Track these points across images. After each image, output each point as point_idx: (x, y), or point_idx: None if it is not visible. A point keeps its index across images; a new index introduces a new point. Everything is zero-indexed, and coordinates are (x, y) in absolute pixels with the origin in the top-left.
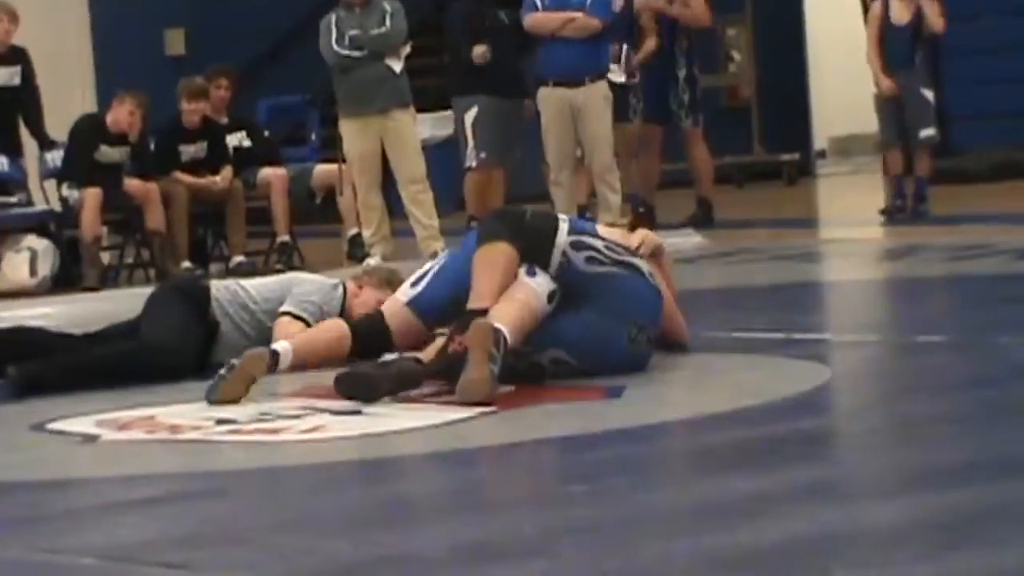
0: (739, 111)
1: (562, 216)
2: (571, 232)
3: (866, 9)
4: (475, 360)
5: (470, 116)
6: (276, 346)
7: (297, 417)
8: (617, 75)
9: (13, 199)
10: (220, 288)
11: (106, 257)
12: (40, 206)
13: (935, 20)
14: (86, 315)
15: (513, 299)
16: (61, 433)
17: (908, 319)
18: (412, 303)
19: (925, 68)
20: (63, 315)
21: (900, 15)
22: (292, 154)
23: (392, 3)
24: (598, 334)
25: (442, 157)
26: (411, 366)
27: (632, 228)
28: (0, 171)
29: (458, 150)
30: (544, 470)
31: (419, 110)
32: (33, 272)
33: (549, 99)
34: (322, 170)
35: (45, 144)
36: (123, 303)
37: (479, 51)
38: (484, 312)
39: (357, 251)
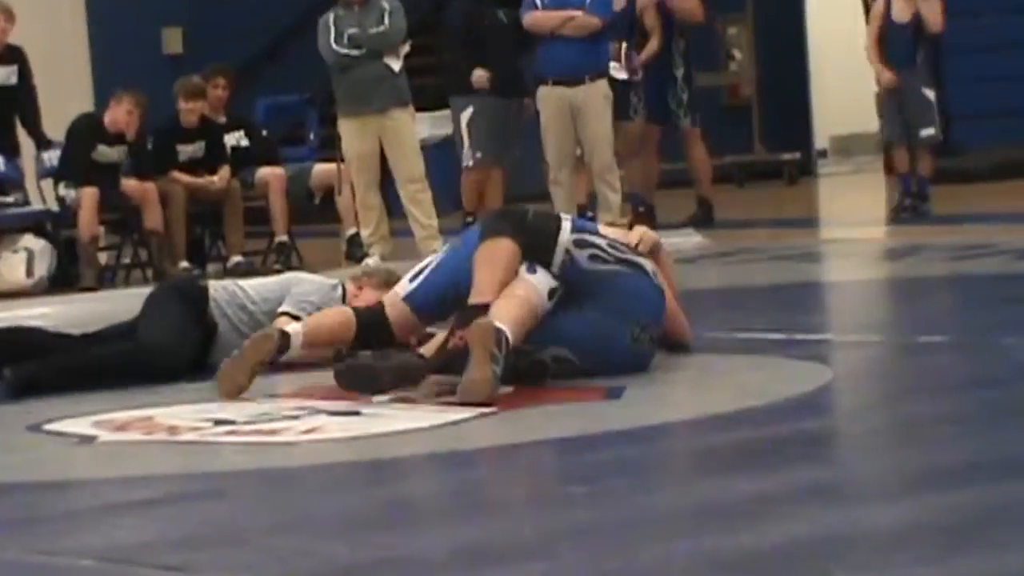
0: (740, 110)
1: (565, 215)
2: (574, 230)
3: (867, 8)
4: (477, 360)
5: (466, 116)
6: (288, 328)
7: (295, 418)
8: (619, 72)
9: (10, 199)
10: (218, 288)
11: (103, 257)
12: (37, 206)
13: (933, 19)
14: (83, 315)
15: (513, 296)
16: (58, 434)
17: (910, 319)
18: (408, 298)
19: (927, 67)
20: (60, 315)
21: (901, 13)
22: (290, 154)
23: (391, 1)
24: (601, 333)
25: (441, 156)
26: (412, 360)
27: (631, 227)
28: None
29: (456, 149)
30: (544, 471)
31: (418, 109)
32: (30, 272)
33: (549, 98)
34: (320, 170)
35: (42, 143)
36: (120, 303)
37: (479, 75)
38: (485, 308)
39: (356, 251)
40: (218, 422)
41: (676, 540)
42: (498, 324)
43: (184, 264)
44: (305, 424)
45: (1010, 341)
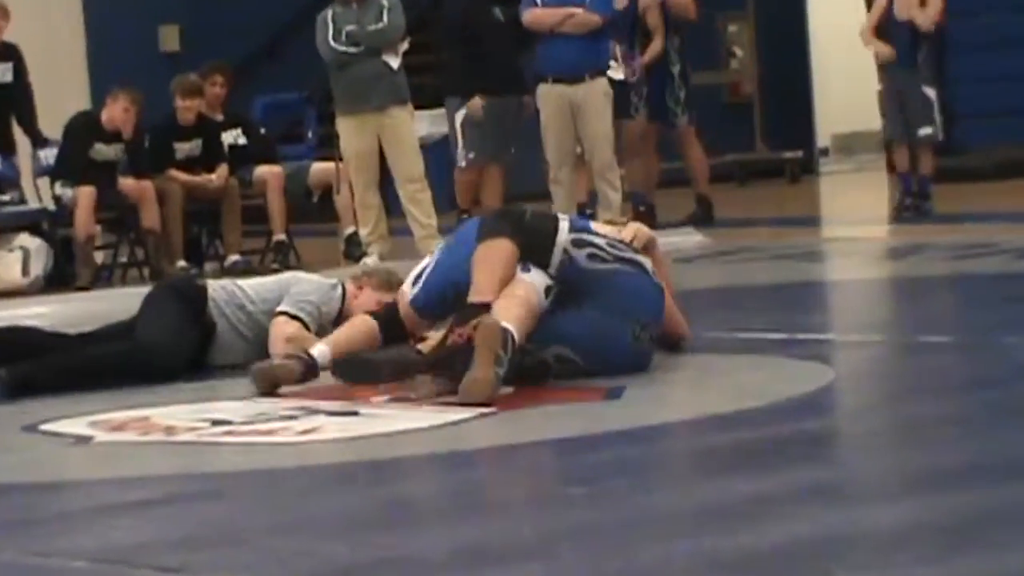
0: (741, 108)
1: (562, 215)
2: (572, 230)
3: (869, 5)
4: (481, 360)
5: (460, 116)
6: (313, 350)
7: (293, 418)
8: (617, 72)
9: (6, 197)
10: (217, 288)
11: (100, 256)
12: (33, 204)
13: (922, 18)
14: (80, 315)
15: (514, 295)
16: (54, 434)
17: (912, 319)
18: (412, 303)
19: (928, 66)
20: (57, 315)
21: (902, 11)
22: (288, 152)
23: None
24: (602, 332)
25: (440, 155)
26: (411, 354)
27: None
28: None
29: (451, 149)
30: (543, 472)
31: (417, 107)
32: (26, 271)
33: (548, 96)
34: (319, 168)
35: (38, 142)
36: (117, 302)
37: (474, 104)
38: (486, 307)
39: (354, 250)
40: (215, 422)
41: (676, 541)
42: (505, 324)
43: (181, 263)
44: (303, 424)
45: (1012, 341)
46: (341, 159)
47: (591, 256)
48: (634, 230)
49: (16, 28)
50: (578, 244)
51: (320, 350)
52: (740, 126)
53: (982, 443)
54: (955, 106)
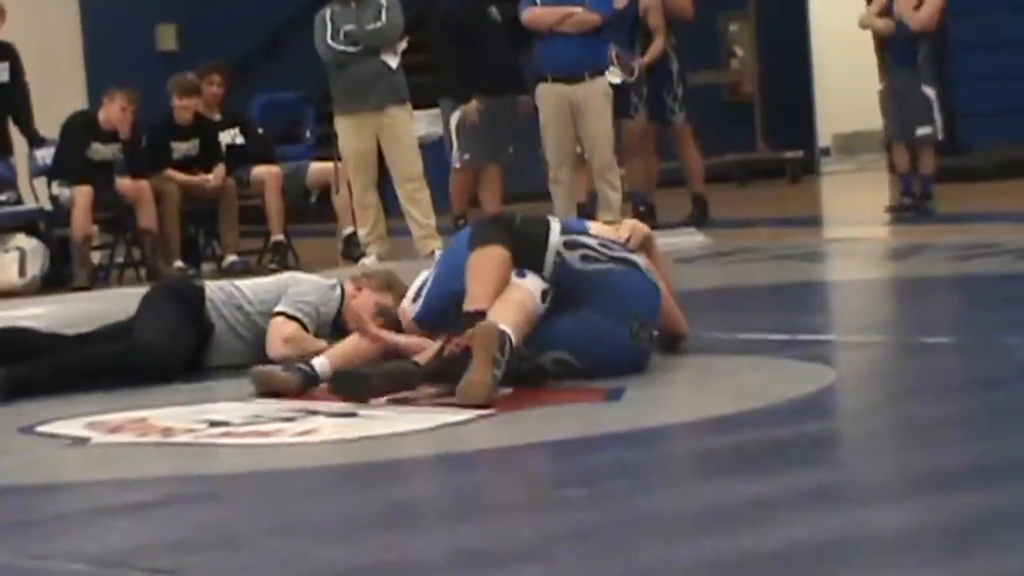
0: (742, 108)
1: (552, 217)
2: (563, 232)
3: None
4: (478, 362)
5: (455, 118)
6: (314, 362)
7: (291, 420)
8: (615, 76)
9: (2, 197)
10: (215, 289)
11: (96, 256)
12: (29, 205)
13: (911, 16)
14: (77, 315)
15: (509, 300)
16: (51, 436)
17: (913, 320)
18: (416, 319)
19: (927, 65)
20: (53, 315)
21: (900, 10)
22: (287, 152)
23: None
24: (600, 333)
25: (439, 155)
26: (407, 367)
27: None
28: None
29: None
30: (543, 474)
31: (416, 107)
32: (22, 272)
33: (548, 95)
34: (317, 168)
35: (35, 141)
36: (114, 303)
37: (470, 109)
38: (482, 315)
39: (353, 250)
40: (213, 424)
41: (676, 543)
42: (502, 327)
43: (178, 264)
44: (301, 426)
45: (1014, 341)
46: (339, 159)
47: (584, 257)
48: (631, 228)
49: (13, 27)
50: (570, 246)
51: (320, 362)
52: (741, 126)
53: (984, 444)
54: (956, 106)
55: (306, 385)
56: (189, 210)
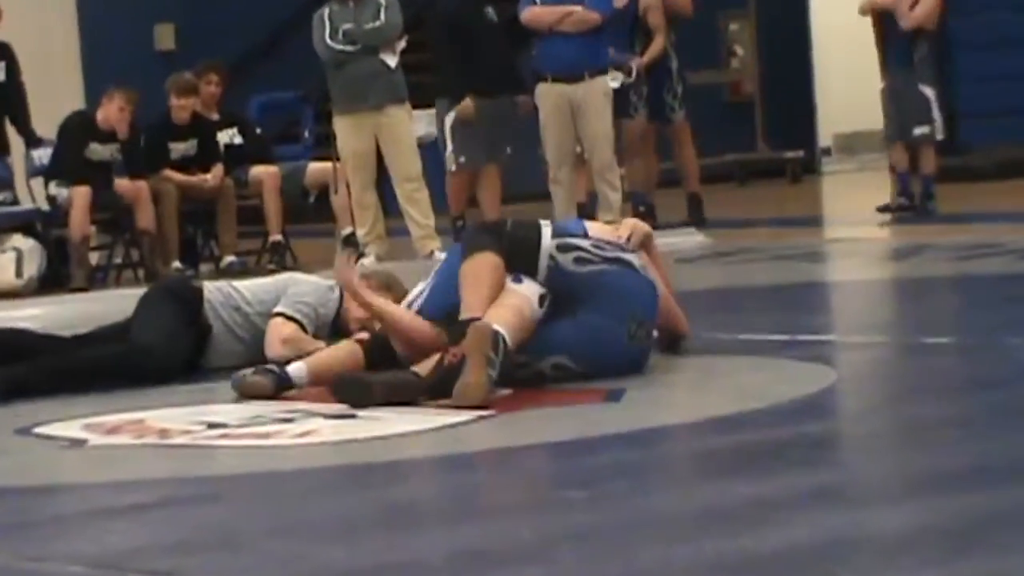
0: (742, 107)
1: (544, 221)
2: (555, 235)
3: None
4: (473, 364)
5: (450, 119)
6: (290, 368)
7: (290, 421)
8: (614, 80)
9: None
10: (213, 290)
11: (94, 257)
12: (27, 205)
13: (902, 12)
14: (74, 316)
15: (504, 305)
16: (48, 438)
17: (914, 320)
18: None
19: (927, 65)
20: (51, 316)
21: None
22: (285, 152)
23: None
24: (599, 336)
25: (437, 154)
26: (407, 377)
27: None
28: None
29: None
30: (543, 475)
31: (414, 106)
32: (19, 273)
33: (548, 95)
34: (315, 168)
35: (32, 142)
36: (112, 304)
37: (466, 107)
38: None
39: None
40: (211, 425)
41: (676, 544)
42: (495, 327)
43: (176, 264)
44: (300, 427)
45: (1015, 342)
46: (338, 159)
47: (577, 260)
48: (631, 226)
49: (9, 27)
50: (563, 249)
51: (297, 367)
52: (741, 126)
53: (985, 445)
54: (957, 106)
55: (278, 389)
56: (187, 210)
